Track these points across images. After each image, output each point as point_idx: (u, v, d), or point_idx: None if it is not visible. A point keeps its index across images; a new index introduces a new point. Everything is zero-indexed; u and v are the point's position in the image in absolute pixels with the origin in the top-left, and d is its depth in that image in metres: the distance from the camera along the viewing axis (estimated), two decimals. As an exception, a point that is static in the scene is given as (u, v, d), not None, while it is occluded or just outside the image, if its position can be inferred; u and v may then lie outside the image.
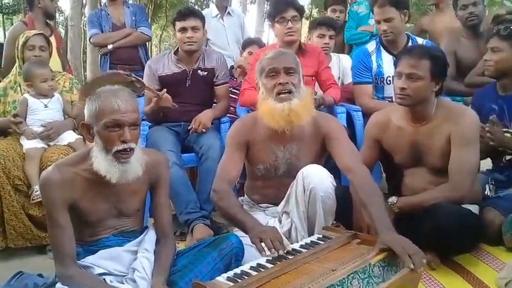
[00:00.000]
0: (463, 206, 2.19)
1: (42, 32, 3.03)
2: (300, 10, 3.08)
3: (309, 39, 3.61)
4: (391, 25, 2.95)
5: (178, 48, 3.08)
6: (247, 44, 3.89)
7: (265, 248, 1.69)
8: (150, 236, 1.81)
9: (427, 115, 2.24)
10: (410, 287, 1.68)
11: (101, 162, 1.64)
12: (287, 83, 2.07)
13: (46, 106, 2.77)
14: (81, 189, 1.68)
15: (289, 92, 2.07)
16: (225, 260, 1.74)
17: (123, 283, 1.65)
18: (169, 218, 1.88)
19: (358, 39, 3.99)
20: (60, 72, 3.23)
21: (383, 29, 2.98)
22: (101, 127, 1.63)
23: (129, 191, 1.76)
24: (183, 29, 2.94)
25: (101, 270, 1.67)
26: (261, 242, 1.71)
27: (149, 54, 5.01)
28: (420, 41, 3.08)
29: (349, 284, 1.48)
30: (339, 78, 3.69)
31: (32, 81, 2.74)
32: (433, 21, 3.98)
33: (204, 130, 2.91)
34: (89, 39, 4.19)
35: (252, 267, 1.58)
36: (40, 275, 2.16)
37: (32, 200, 2.53)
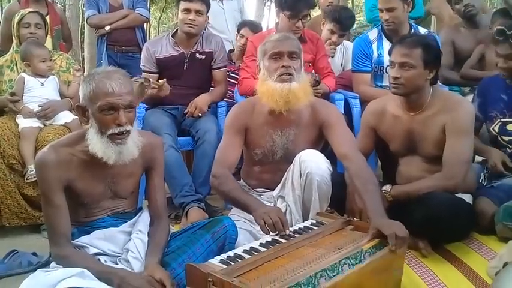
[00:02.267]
0: (456, 195, 2.20)
1: (37, 10, 3.01)
2: (312, 6, 3.06)
3: (323, 23, 3.57)
4: (394, 15, 2.91)
5: (176, 30, 3.05)
6: (240, 26, 3.84)
7: (268, 229, 1.74)
8: (144, 218, 1.81)
9: (422, 103, 2.25)
10: (393, 280, 1.71)
11: (97, 145, 1.63)
12: (289, 66, 2.09)
13: (42, 84, 2.78)
14: (77, 170, 1.67)
15: (290, 75, 2.08)
16: (218, 242, 1.74)
17: (117, 263, 1.66)
18: (163, 200, 1.88)
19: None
20: (57, 51, 3.21)
21: (385, 18, 2.95)
22: (95, 110, 1.60)
23: (124, 173, 1.76)
24: (187, 10, 2.91)
25: (95, 250, 1.68)
26: (265, 223, 1.75)
27: (147, 36, 4.96)
28: (423, 31, 3.05)
29: (340, 269, 1.49)
30: (341, 64, 3.67)
31: (30, 61, 2.74)
32: (440, 5, 3.95)
33: (200, 114, 2.90)
34: (86, 20, 4.15)
35: (245, 251, 1.59)
36: (34, 254, 2.19)
37: (27, 179, 2.53)
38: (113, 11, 3.98)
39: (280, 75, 2.08)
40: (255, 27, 3.77)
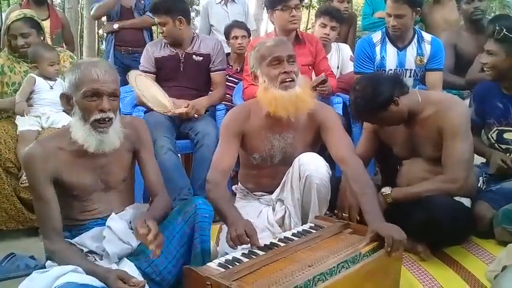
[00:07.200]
0: (455, 198, 2.20)
1: (24, 15, 2.87)
2: None
3: (313, 26, 3.61)
4: (402, 22, 2.89)
5: None
6: (227, 30, 3.78)
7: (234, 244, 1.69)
8: (130, 211, 1.80)
9: (416, 112, 2.24)
10: (390, 283, 1.71)
11: (79, 131, 1.65)
12: (291, 71, 2.07)
13: (51, 88, 2.78)
14: (64, 162, 1.67)
15: (292, 80, 2.07)
16: (189, 223, 1.71)
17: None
18: (157, 176, 1.88)
19: (375, 27, 3.95)
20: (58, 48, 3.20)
21: (392, 24, 2.92)
22: (79, 96, 1.63)
23: (112, 160, 1.75)
24: None
25: (85, 250, 1.68)
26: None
27: (154, 37, 5.01)
28: (427, 36, 3.06)
29: (338, 273, 1.48)
30: (338, 67, 3.67)
31: (39, 64, 2.75)
32: (431, 12, 3.96)
33: (196, 116, 2.90)
34: (91, 11, 4.25)
35: (243, 254, 1.59)
36: (32, 257, 2.18)
37: (21, 183, 2.52)
38: (124, 13, 4.07)
39: (283, 82, 2.06)
40: (242, 24, 3.78)
